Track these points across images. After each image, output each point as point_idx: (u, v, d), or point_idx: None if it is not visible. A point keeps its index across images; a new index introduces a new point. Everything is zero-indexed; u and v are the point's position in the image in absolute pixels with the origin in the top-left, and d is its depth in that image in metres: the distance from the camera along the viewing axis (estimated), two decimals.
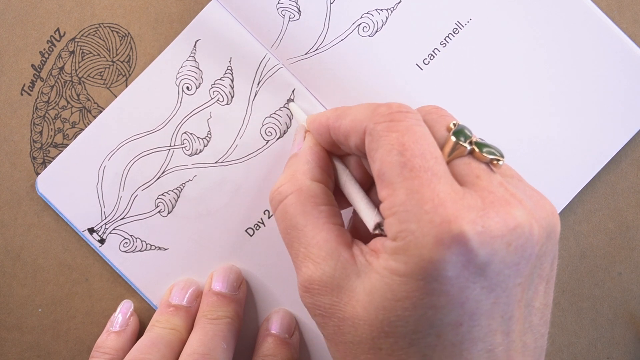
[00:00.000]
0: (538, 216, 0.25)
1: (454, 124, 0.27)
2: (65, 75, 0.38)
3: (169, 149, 0.38)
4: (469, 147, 0.26)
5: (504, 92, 0.38)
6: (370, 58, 0.38)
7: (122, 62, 0.38)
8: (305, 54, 0.37)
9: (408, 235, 0.24)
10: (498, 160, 0.26)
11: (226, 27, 0.37)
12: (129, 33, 0.38)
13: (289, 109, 0.37)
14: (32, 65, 0.38)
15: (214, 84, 0.37)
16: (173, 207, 0.38)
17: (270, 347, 0.36)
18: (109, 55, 0.38)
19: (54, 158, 0.38)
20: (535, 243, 0.25)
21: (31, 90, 0.38)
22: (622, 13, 0.38)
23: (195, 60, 0.37)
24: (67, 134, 0.38)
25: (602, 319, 0.39)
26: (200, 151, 0.38)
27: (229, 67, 0.37)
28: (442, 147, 0.26)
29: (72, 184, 0.37)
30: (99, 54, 0.38)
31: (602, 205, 0.39)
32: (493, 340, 0.25)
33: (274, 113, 0.38)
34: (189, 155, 0.38)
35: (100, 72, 0.38)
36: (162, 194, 0.38)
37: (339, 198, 0.31)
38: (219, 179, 0.38)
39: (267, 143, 0.38)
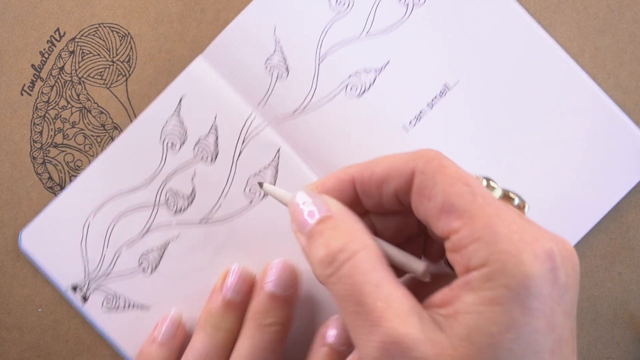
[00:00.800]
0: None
1: (477, 175, 0.27)
2: (65, 75, 0.38)
3: (154, 207, 0.37)
4: (500, 191, 0.27)
5: (491, 154, 0.38)
6: (356, 119, 0.37)
7: (122, 62, 0.38)
8: (292, 113, 0.37)
9: (502, 255, 0.23)
10: (525, 204, 0.27)
11: (212, 84, 0.37)
12: (129, 33, 0.38)
13: (265, 190, 0.34)
14: (32, 65, 0.38)
15: (199, 141, 0.37)
16: (157, 266, 0.38)
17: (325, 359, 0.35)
18: (109, 55, 0.38)
19: (54, 158, 0.38)
20: (578, 272, 0.25)
21: (31, 90, 0.38)
22: (622, 13, 0.38)
23: (179, 117, 0.37)
24: (67, 134, 0.38)
25: (602, 319, 0.39)
26: (184, 209, 0.38)
27: (214, 125, 0.37)
28: None
29: (56, 241, 0.37)
30: (99, 54, 0.38)
31: None
32: None
33: (259, 172, 0.37)
34: (173, 213, 0.38)
35: (100, 72, 0.38)
36: (146, 252, 0.38)
37: None
38: (203, 238, 0.38)
39: (251, 203, 0.37)
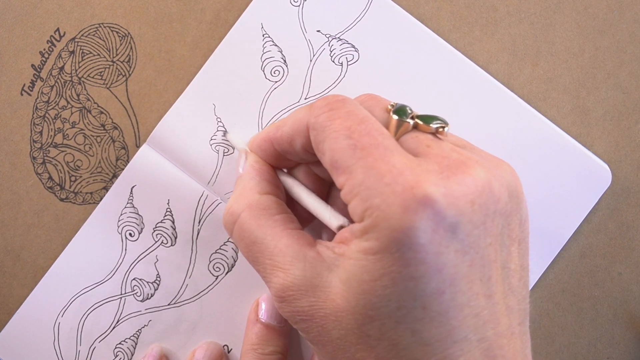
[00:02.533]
0: (496, 174, 0.25)
1: (392, 105, 0.27)
2: (65, 75, 0.38)
3: (121, 298, 0.38)
4: (412, 122, 0.27)
5: None
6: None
7: (122, 62, 0.38)
8: None
9: (374, 211, 0.24)
10: (443, 127, 0.27)
11: (160, 169, 0.37)
12: (129, 33, 0.38)
13: (226, 140, 0.37)
14: (32, 65, 0.38)
15: (156, 227, 0.38)
16: (132, 354, 0.38)
17: None
18: (109, 55, 0.38)
19: (53, 158, 0.38)
20: (497, 200, 0.25)
21: (31, 90, 0.38)
22: (622, 13, 0.38)
23: (133, 207, 0.38)
24: (67, 134, 0.38)
25: (602, 319, 0.39)
26: (151, 295, 0.38)
27: (168, 209, 0.38)
28: (387, 128, 0.27)
29: (29, 345, 0.38)
30: (99, 54, 0.38)
31: (602, 205, 0.39)
32: (477, 303, 0.24)
33: (220, 248, 0.38)
34: (141, 301, 0.38)
35: (100, 72, 0.38)
36: (120, 343, 0.38)
37: (298, 215, 0.31)
38: (174, 321, 0.38)
39: (217, 279, 0.38)
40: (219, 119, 0.37)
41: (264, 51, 0.37)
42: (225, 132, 0.37)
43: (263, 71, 0.38)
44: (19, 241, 0.38)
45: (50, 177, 0.38)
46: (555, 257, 0.38)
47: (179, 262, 0.38)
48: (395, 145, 0.25)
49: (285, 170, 0.33)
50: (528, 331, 0.27)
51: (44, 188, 0.38)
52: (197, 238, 0.38)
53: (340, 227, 0.27)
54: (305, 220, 0.32)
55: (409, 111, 0.27)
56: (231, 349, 0.38)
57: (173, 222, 0.38)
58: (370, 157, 0.24)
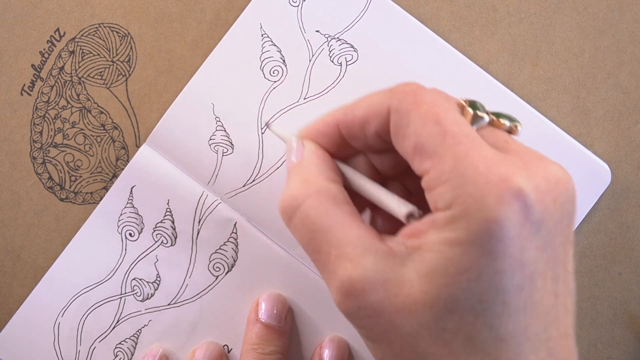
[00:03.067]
0: (568, 176, 0.25)
1: (464, 100, 0.27)
2: (65, 75, 0.38)
3: (121, 298, 0.38)
4: (487, 118, 0.26)
5: None
6: None
7: (122, 62, 0.38)
8: (243, 186, 0.38)
9: (466, 198, 0.23)
10: (517, 125, 0.26)
11: (160, 169, 0.38)
12: (129, 33, 0.38)
13: (271, 131, 0.36)
14: (32, 65, 0.38)
15: (156, 227, 0.38)
16: (132, 354, 0.38)
17: None
18: (109, 55, 0.38)
19: (53, 158, 0.38)
20: (571, 200, 0.25)
21: (31, 90, 0.38)
22: (622, 13, 0.38)
23: (133, 207, 0.38)
24: (67, 134, 0.38)
25: (602, 319, 0.39)
26: (151, 295, 0.38)
27: (168, 209, 0.38)
28: None
29: (29, 345, 0.38)
30: (99, 54, 0.38)
31: (602, 205, 0.39)
32: (548, 302, 0.24)
33: (220, 248, 0.38)
34: (141, 301, 0.38)
35: (100, 72, 0.38)
36: (120, 343, 0.38)
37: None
38: (174, 321, 0.38)
39: (216, 279, 0.38)
40: (217, 119, 0.37)
41: (263, 51, 0.37)
42: (267, 125, 0.37)
43: (262, 71, 0.38)
44: (19, 241, 0.38)
45: (50, 177, 0.38)
46: None
47: (179, 262, 0.38)
48: (480, 138, 0.25)
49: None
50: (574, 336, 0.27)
51: (44, 188, 0.38)
52: (197, 238, 0.38)
53: (409, 215, 0.26)
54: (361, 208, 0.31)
55: (483, 106, 0.26)
56: (231, 349, 0.38)
57: (173, 222, 0.38)
58: (462, 146, 0.24)
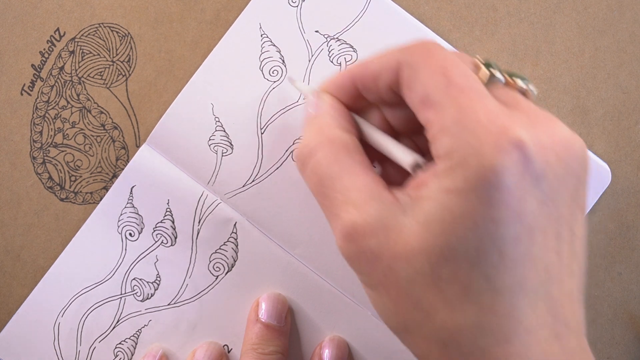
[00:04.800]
0: (577, 138, 0.25)
1: (480, 59, 0.27)
2: (65, 75, 0.38)
3: (121, 298, 0.38)
4: (502, 78, 0.26)
5: None
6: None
7: (122, 62, 0.38)
8: (243, 186, 0.38)
9: (465, 148, 0.23)
10: (531, 90, 0.27)
11: (160, 169, 0.38)
12: (129, 33, 0.38)
13: (293, 85, 0.37)
14: (32, 65, 0.38)
15: (156, 227, 0.38)
16: (132, 354, 0.38)
17: None
18: (109, 55, 0.38)
19: (53, 158, 0.38)
20: (577, 159, 0.25)
21: (31, 90, 0.38)
22: (622, 13, 0.38)
23: (133, 206, 0.38)
24: (67, 134, 0.38)
25: (602, 319, 0.39)
26: (151, 295, 0.38)
27: (168, 209, 0.38)
28: None
29: (29, 345, 0.38)
30: (99, 54, 0.38)
31: (602, 205, 0.39)
32: (548, 258, 0.24)
33: (220, 248, 0.38)
34: (141, 301, 0.38)
35: (100, 72, 0.38)
36: (120, 343, 0.38)
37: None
38: (174, 321, 0.38)
39: (216, 279, 0.38)
40: (217, 119, 0.37)
41: (263, 51, 0.37)
42: (290, 79, 0.37)
43: (261, 71, 0.38)
44: (19, 241, 0.38)
45: (50, 177, 0.38)
46: None
47: (179, 262, 0.38)
48: (487, 92, 0.25)
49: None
50: (582, 300, 0.27)
51: (44, 188, 0.38)
52: (197, 238, 0.38)
53: (415, 165, 0.26)
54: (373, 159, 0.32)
55: (499, 67, 0.27)
56: (231, 349, 0.38)
57: (173, 222, 0.38)
58: (466, 97, 0.24)
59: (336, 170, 0.27)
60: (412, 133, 0.30)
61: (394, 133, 0.31)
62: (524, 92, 0.27)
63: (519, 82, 0.26)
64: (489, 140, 0.23)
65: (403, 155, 0.27)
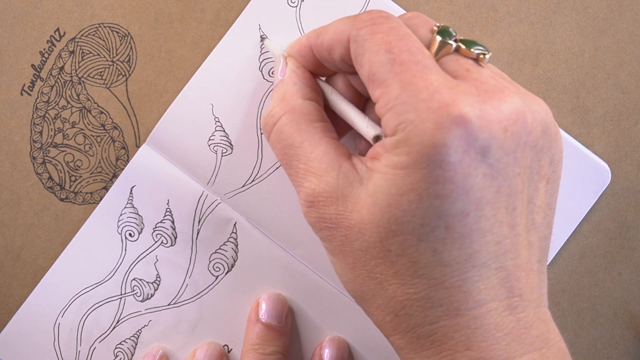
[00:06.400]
0: (532, 108, 0.25)
1: (437, 26, 0.27)
2: (65, 75, 0.38)
3: (121, 298, 0.38)
4: (454, 45, 0.26)
5: None
6: None
7: (122, 62, 0.38)
8: (243, 186, 0.38)
9: (407, 125, 0.24)
10: (484, 54, 0.26)
11: (160, 169, 0.38)
12: (129, 33, 0.38)
13: (264, 45, 0.37)
14: (32, 65, 0.38)
15: (156, 227, 0.38)
16: (132, 355, 0.38)
17: None
18: (109, 55, 0.38)
19: (53, 158, 0.38)
20: (530, 131, 0.25)
21: (31, 90, 0.38)
22: (622, 13, 0.38)
23: (133, 207, 0.38)
24: (67, 134, 0.38)
25: (602, 319, 0.39)
26: (151, 295, 0.38)
27: (168, 209, 0.38)
28: (428, 48, 0.26)
29: (29, 346, 0.38)
30: (99, 54, 0.38)
31: (602, 205, 0.39)
32: (500, 231, 0.24)
33: (220, 248, 0.38)
34: (140, 301, 0.38)
35: (100, 72, 0.38)
36: (120, 343, 0.38)
37: (334, 123, 0.31)
38: (174, 321, 0.38)
39: (216, 279, 0.38)
40: (217, 119, 0.37)
41: (262, 52, 0.37)
42: (263, 38, 0.37)
43: (261, 71, 0.38)
44: (19, 241, 0.38)
45: (50, 177, 0.38)
46: (554, 257, 0.38)
47: (179, 262, 0.38)
48: (434, 65, 0.25)
49: (323, 78, 0.32)
50: (546, 271, 0.27)
51: (44, 188, 0.38)
52: (197, 238, 0.38)
53: (377, 137, 0.27)
54: (339, 133, 0.32)
55: (453, 34, 0.27)
56: (231, 349, 0.38)
57: (173, 222, 0.38)
58: (409, 73, 0.24)
59: (297, 139, 0.28)
60: None
61: (361, 97, 0.31)
62: (476, 59, 0.27)
63: (474, 49, 0.26)
64: (429, 117, 0.23)
65: (365, 127, 0.28)
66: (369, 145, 0.30)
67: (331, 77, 0.32)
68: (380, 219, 0.24)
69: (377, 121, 0.28)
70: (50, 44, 0.38)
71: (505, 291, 0.25)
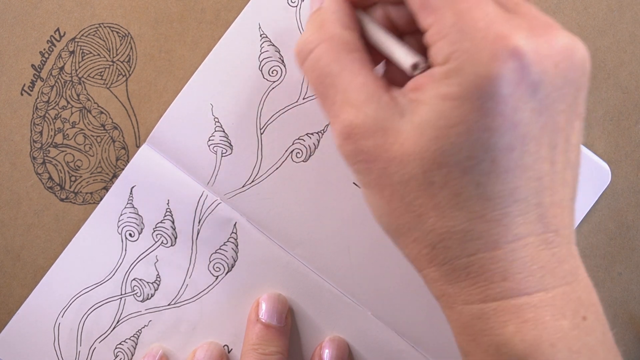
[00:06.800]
0: (578, 46, 0.25)
1: None
2: (65, 75, 0.38)
3: (121, 298, 0.38)
4: None
5: None
6: (307, 182, 0.38)
7: (122, 62, 0.38)
8: (243, 186, 0.38)
9: (462, 54, 0.23)
10: None
11: (160, 170, 0.38)
12: (129, 33, 0.38)
13: None
14: (32, 65, 0.38)
15: (156, 227, 0.38)
16: (132, 355, 0.38)
17: None
18: (109, 55, 0.38)
19: (53, 158, 0.38)
20: (577, 69, 0.24)
21: (31, 90, 0.38)
22: (622, 13, 0.38)
23: (133, 207, 0.38)
24: (67, 134, 0.38)
25: None
26: (151, 296, 0.38)
27: (168, 209, 0.38)
28: None
29: (29, 346, 0.38)
30: (99, 54, 0.38)
31: (602, 205, 0.39)
32: (541, 168, 0.24)
33: (220, 248, 0.38)
34: (141, 301, 0.38)
35: (100, 72, 0.38)
36: (120, 343, 0.38)
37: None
38: (174, 321, 0.38)
39: (216, 279, 0.38)
40: (216, 119, 0.37)
41: (262, 51, 0.37)
42: None
43: (261, 71, 0.38)
44: (19, 241, 0.38)
45: (50, 177, 0.38)
46: None
47: (179, 262, 0.38)
48: None
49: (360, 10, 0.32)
50: (575, 210, 0.27)
51: (44, 188, 0.38)
52: (197, 238, 0.38)
53: (414, 66, 0.26)
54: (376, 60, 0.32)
55: None
56: (231, 349, 0.38)
57: (173, 222, 0.38)
58: (465, 3, 0.24)
59: (335, 68, 0.27)
60: (416, 32, 0.30)
61: (398, 32, 0.31)
62: None
63: None
64: (486, 48, 0.23)
65: (403, 55, 0.27)
66: (403, 77, 0.30)
67: (369, 9, 0.31)
68: (426, 151, 0.24)
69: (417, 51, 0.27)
70: (50, 44, 0.38)
71: (542, 226, 0.25)
